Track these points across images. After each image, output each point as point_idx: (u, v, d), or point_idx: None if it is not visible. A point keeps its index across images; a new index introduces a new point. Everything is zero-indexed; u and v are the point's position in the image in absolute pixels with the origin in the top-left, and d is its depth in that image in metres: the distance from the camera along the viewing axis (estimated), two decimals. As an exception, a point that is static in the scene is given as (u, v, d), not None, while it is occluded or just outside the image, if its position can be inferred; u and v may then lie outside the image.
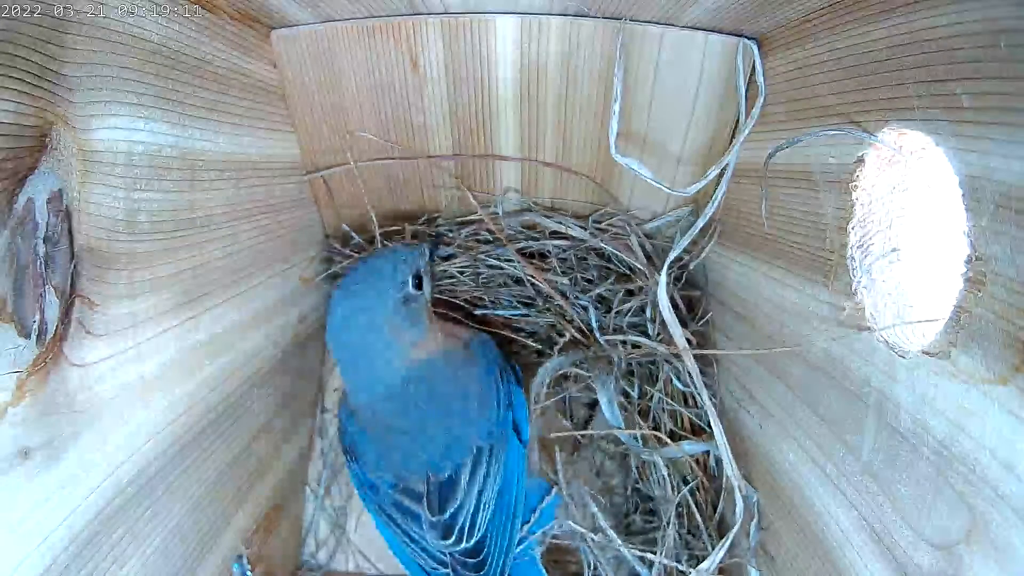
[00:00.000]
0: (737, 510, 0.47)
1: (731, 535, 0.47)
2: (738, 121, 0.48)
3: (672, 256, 0.50)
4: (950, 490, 0.28)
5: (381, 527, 0.51)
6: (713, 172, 0.47)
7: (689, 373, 0.51)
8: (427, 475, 0.47)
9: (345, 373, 0.50)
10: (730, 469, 0.47)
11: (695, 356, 0.56)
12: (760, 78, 0.45)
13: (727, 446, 0.47)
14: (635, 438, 0.57)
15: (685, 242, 0.51)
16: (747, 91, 0.47)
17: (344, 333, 0.48)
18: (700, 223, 0.51)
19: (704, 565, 0.47)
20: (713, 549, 0.51)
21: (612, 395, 0.56)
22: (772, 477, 0.44)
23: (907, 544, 0.30)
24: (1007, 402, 0.24)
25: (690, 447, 0.54)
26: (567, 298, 0.58)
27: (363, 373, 0.49)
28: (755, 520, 0.47)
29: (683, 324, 0.57)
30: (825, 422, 0.38)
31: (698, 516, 0.52)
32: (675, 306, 0.57)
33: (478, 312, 0.61)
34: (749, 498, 0.49)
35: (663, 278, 0.49)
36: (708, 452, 0.54)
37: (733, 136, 0.49)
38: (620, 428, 0.56)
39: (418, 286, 0.49)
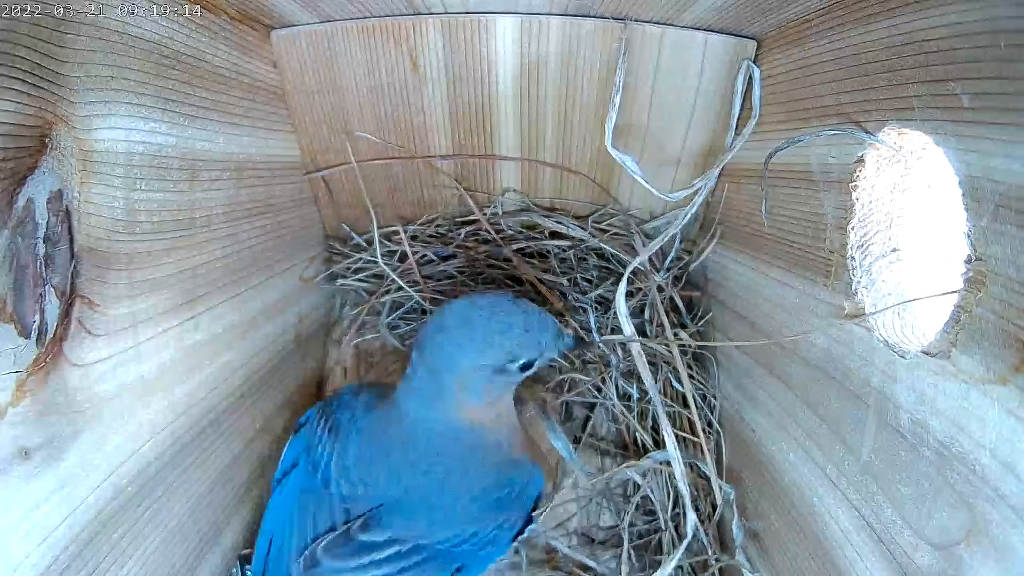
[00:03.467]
0: (689, 524, 0.47)
1: (680, 549, 0.47)
2: (737, 124, 0.48)
3: (635, 264, 0.50)
4: (950, 490, 0.28)
5: (276, 508, 0.46)
6: (699, 183, 0.48)
7: (682, 373, 0.51)
8: (376, 511, 0.44)
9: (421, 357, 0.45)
10: (680, 480, 0.47)
11: (694, 357, 0.57)
12: (756, 98, 0.46)
13: (678, 456, 0.47)
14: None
15: (654, 247, 0.50)
16: (741, 111, 0.47)
17: (438, 336, 0.44)
18: (672, 230, 0.50)
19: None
20: (711, 549, 0.51)
21: (557, 430, 0.56)
22: (772, 477, 0.44)
23: (907, 544, 0.30)
24: (1007, 402, 0.24)
25: (645, 464, 0.54)
26: (566, 298, 0.58)
27: (427, 383, 0.45)
28: (735, 518, 0.48)
29: (682, 325, 0.57)
30: (825, 422, 0.38)
31: (695, 517, 0.52)
32: (675, 307, 0.57)
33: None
34: (727, 494, 0.50)
35: (622, 286, 0.48)
36: (705, 454, 0.54)
37: (743, 128, 0.49)
38: (574, 460, 0.56)
39: (524, 368, 0.45)
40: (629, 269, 0.50)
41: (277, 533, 0.45)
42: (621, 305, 0.49)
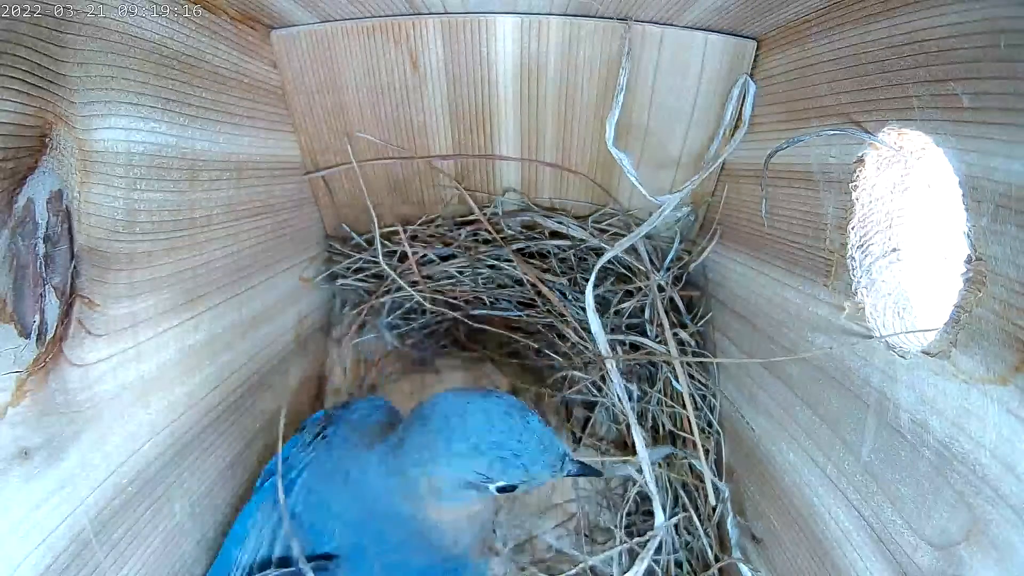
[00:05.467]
0: (658, 523, 0.46)
1: (651, 549, 0.46)
2: (738, 123, 0.48)
3: (601, 262, 0.50)
4: (950, 490, 0.28)
5: (246, 511, 0.43)
6: (689, 186, 0.48)
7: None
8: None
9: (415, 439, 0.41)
10: (651, 483, 0.47)
11: (695, 357, 0.57)
12: (747, 110, 0.46)
13: (648, 459, 0.47)
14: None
15: (627, 243, 0.50)
16: (736, 122, 0.48)
17: (421, 427, 0.40)
18: (645, 228, 0.50)
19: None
20: (711, 548, 0.51)
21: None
22: (772, 477, 0.44)
23: (907, 544, 0.30)
24: (1007, 402, 0.24)
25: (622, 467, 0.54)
26: (566, 298, 0.58)
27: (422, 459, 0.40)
28: (731, 516, 0.48)
29: (682, 324, 0.57)
30: (825, 422, 0.38)
31: (694, 516, 0.52)
32: (675, 307, 0.57)
33: (476, 312, 0.61)
34: (722, 492, 0.50)
35: (590, 288, 0.48)
36: (707, 452, 0.54)
37: (732, 137, 0.49)
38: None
39: (502, 490, 0.39)
40: (602, 261, 0.49)
41: (235, 537, 0.42)
42: (590, 299, 0.48)
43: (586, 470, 0.42)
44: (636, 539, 0.54)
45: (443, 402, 0.40)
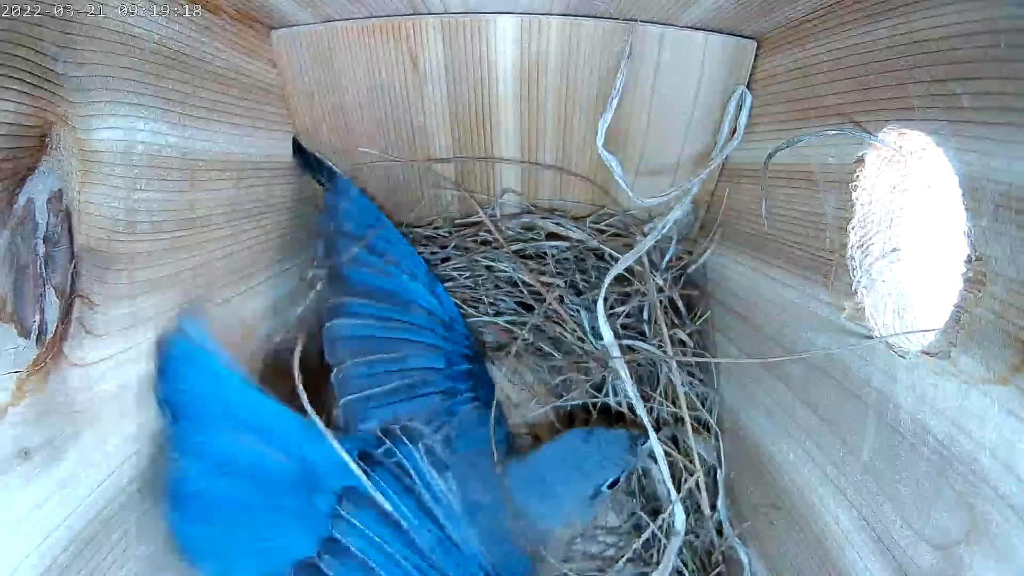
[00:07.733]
0: (679, 520, 0.48)
1: (674, 549, 0.47)
2: (733, 132, 0.48)
3: (611, 276, 0.50)
4: (950, 490, 0.28)
5: None
6: (677, 191, 0.49)
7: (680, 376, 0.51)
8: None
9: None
10: (665, 481, 0.48)
11: (693, 357, 0.57)
12: (742, 121, 0.47)
13: (663, 454, 0.48)
14: None
15: (630, 260, 0.51)
16: (732, 132, 0.48)
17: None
18: (649, 241, 0.51)
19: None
20: (713, 549, 0.51)
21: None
22: (772, 477, 0.44)
23: (907, 544, 0.30)
24: (1007, 402, 0.24)
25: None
26: (563, 301, 0.58)
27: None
28: (726, 517, 0.49)
29: (682, 325, 0.57)
30: (825, 422, 0.38)
31: (704, 508, 0.52)
32: (675, 308, 0.57)
33: (475, 312, 0.61)
34: (720, 492, 0.50)
35: (600, 304, 0.49)
36: (693, 458, 0.54)
37: (727, 145, 0.49)
38: None
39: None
40: (611, 276, 0.49)
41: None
42: (601, 315, 0.49)
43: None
44: (644, 539, 0.53)
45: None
